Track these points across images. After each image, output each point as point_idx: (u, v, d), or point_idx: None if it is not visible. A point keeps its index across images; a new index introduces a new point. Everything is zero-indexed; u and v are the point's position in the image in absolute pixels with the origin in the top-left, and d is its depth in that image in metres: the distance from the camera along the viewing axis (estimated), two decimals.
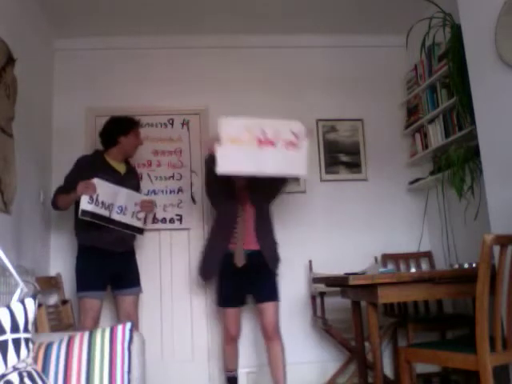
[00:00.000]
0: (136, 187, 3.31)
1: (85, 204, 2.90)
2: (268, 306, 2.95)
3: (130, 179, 3.23)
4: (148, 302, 3.62)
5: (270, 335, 2.94)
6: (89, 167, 3.08)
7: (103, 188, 2.97)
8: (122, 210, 3.05)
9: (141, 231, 3.20)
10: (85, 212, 2.90)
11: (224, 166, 2.66)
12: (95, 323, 2.95)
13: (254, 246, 2.97)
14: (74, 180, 2.99)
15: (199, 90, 4.01)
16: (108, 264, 3.03)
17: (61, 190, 3.06)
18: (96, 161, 3.16)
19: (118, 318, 3.15)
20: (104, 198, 2.96)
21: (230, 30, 4.01)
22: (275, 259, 3.05)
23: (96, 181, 2.94)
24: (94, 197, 2.92)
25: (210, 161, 2.82)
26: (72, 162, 3.80)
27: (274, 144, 2.73)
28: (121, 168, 3.22)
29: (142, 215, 3.17)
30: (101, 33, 3.94)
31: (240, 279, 2.95)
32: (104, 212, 2.97)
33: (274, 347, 2.94)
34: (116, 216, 3.03)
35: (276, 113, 4.01)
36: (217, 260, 2.98)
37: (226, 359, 3.15)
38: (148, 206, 3.20)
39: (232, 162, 2.68)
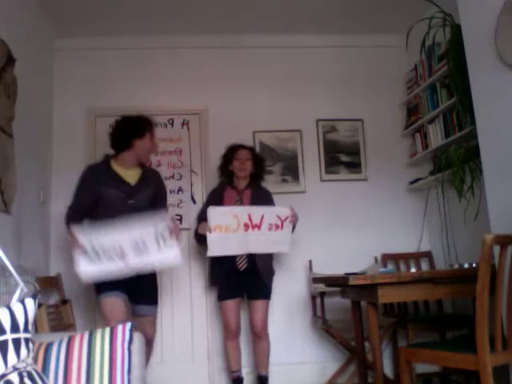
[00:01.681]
0: (155, 195, 2.86)
1: (83, 267, 2.55)
2: (257, 304, 3.12)
3: (144, 188, 2.81)
4: None
5: (258, 332, 3.12)
6: (91, 182, 2.75)
7: (101, 239, 2.55)
8: (140, 249, 2.57)
9: (177, 259, 2.67)
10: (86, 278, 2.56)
11: (214, 251, 3.05)
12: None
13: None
14: (79, 199, 2.76)
15: (199, 90, 4.02)
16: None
17: (72, 216, 2.73)
18: (100, 173, 2.78)
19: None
20: (106, 247, 2.53)
21: (230, 30, 4.01)
22: (269, 272, 3.20)
23: (80, 236, 2.54)
24: (90, 251, 2.52)
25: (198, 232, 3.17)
26: (72, 161, 3.82)
27: (260, 227, 3.07)
28: (131, 177, 2.79)
29: (173, 241, 2.67)
30: (101, 33, 3.94)
31: (238, 275, 3.12)
32: (115, 265, 2.54)
33: (261, 344, 3.14)
34: (136, 260, 2.56)
35: (276, 113, 4.05)
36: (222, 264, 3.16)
37: (228, 357, 3.19)
38: (176, 232, 2.69)
39: (221, 247, 3.04)
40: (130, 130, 2.80)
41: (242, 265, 3.10)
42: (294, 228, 3.16)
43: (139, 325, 2.58)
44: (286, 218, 3.09)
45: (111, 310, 2.61)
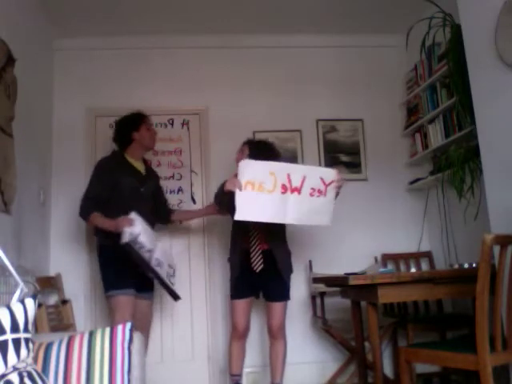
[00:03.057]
0: (157, 187, 3.28)
1: (126, 238, 2.73)
2: (275, 306, 2.99)
3: (151, 179, 3.21)
4: None
5: (274, 334, 3.02)
6: (110, 170, 3.00)
7: (144, 228, 2.82)
8: (159, 264, 2.90)
9: (176, 297, 2.98)
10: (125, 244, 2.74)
11: (243, 214, 2.56)
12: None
13: (266, 246, 2.95)
14: (99, 188, 2.94)
15: (199, 90, 4.02)
16: (130, 265, 2.86)
17: (93, 206, 2.91)
18: (116, 162, 3.06)
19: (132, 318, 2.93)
20: (144, 239, 2.79)
21: (230, 30, 4.01)
22: (289, 270, 3.04)
23: (135, 217, 2.78)
24: (136, 232, 2.74)
25: (221, 194, 2.85)
26: (72, 161, 3.82)
27: (300, 191, 2.63)
28: (141, 167, 3.17)
29: (173, 281, 3.03)
30: (101, 33, 3.93)
31: (255, 274, 2.94)
32: (143, 254, 2.80)
33: (277, 345, 3.02)
34: (154, 264, 2.86)
35: (276, 113, 4.05)
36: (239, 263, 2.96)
37: (231, 359, 3.02)
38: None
39: (251, 209, 2.58)
40: (127, 127, 3.14)
41: (258, 266, 2.90)
42: (336, 195, 2.82)
43: (138, 306, 2.97)
44: (331, 183, 2.72)
45: (120, 306, 2.86)
